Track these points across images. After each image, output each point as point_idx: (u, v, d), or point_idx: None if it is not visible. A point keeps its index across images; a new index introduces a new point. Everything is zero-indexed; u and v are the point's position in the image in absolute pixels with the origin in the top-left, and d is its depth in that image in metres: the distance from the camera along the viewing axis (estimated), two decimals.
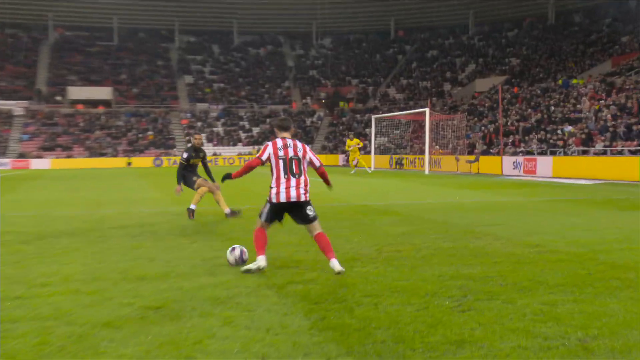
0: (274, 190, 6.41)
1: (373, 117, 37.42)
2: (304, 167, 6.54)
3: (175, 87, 64.16)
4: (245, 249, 6.71)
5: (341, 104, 63.13)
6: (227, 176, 6.76)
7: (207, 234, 8.92)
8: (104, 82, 61.09)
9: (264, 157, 6.48)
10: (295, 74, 69.81)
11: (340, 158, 49.75)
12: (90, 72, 62.32)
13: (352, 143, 31.12)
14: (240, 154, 53.27)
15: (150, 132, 55.06)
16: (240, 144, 56.29)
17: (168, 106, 60.61)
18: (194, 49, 70.59)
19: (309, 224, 6.43)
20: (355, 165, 31.27)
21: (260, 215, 6.55)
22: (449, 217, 10.81)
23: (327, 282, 5.74)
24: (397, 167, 38.77)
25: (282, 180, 6.39)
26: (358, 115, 58.82)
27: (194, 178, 11.20)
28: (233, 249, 6.68)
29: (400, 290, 5.35)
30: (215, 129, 57.94)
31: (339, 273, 6.02)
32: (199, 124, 58.20)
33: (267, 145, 6.57)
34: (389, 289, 5.39)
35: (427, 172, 30.77)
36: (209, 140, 55.70)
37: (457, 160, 32.38)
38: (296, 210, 6.46)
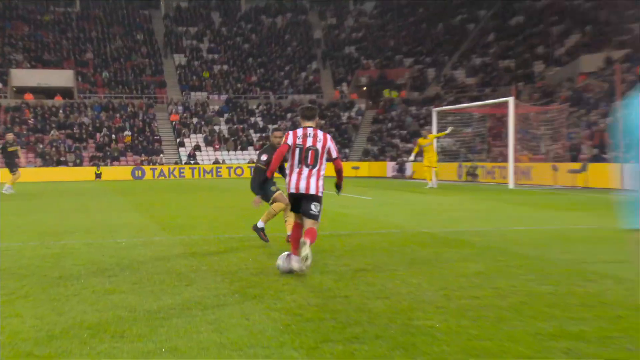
0: (287, 180, 8.84)
1: (434, 110, 37.30)
2: (320, 159, 8.70)
3: (161, 70, 65.04)
4: (292, 265, 8.51)
5: (386, 92, 63.20)
6: (265, 178, 9.91)
7: (208, 273, 8.95)
8: (63, 64, 62.21)
9: (289, 141, 8.74)
10: (325, 52, 70.15)
11: (388, 167, 49.68)
12: (43, 49, 63.55)
13: (429, 139, 30.65)
14: (251, 161, 53.60)
15: (127, 132, 55.84)
16: (250, 147, 56.67)
17: (152, 96, 61.44)
18: (187, 18, 71.57)
19: (307, 217, 8.71)
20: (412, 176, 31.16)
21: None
22: (546, 250, 10.71)
23: (377, 340, 5.69)
24: (469, 178, 38.48)
25: (295, 170, 8.70)
26: (413, 108, 58.77)
27: (273, 188, 11.61)
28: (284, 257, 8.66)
29: (481, 353, 5.29)
30: (216, 127, 58.52)
31: (303, 256, 8.28)
32: (195, 120, 58.87)
33: (289, 133, 8.83)
34: (464, 352, 5.33)
35: (511, 185, 30.54)
36: (208, 143, 56.25)
37: (555, 169, 32.04)
38: (304, 201, 8.71)
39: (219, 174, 51.49)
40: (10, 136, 28.96)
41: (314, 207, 8.72)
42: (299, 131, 8.80)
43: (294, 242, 8.72)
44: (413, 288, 7.78)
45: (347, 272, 8.87)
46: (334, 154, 8.80)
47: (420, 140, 31.32)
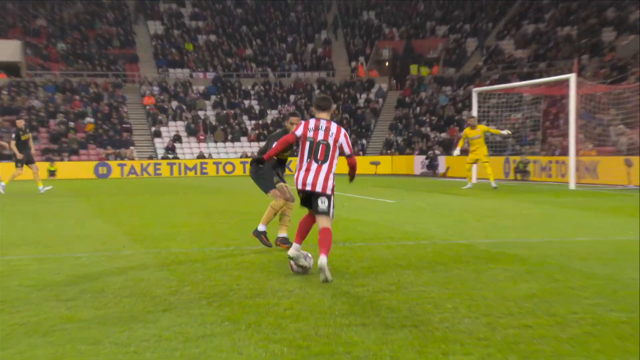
0: (295, 175, 10.16)
1: (474, 90, 37.23)
2: (332, 154, 10.07)
3: (132, 41, 65.08)
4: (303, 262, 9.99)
5: (413, 69, 63.09)
6: (259, 161, 10.94)
7: (190, 295, 8.95)
8: (8, 33, 62.21)
9: (298, 133, 10.19)
10: (338, 18, 70.05)
11: (416, 162, 49.61)
12: None
13: (478, 131, 30.25)
14: (244, 155, 53.64)
15: (89, 119, 55.93)
16: (244, 138, 56.69)
17: (120, 74, 61.47)
18: None
19: (318, 214, 10.04)
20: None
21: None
22: (618, 267, 10.68)
23: None
24: (519, 176, 38.38)
25: (304, 164, 10.06)
26: (447, 88, 58.71)
27: (276, 179, 12.57)
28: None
29: None
30: (201, 112, 58.55)
31: (321, 269, 9.54)
32: (174, 104, 58.88)
33: (300, 124, 10.32)
34: None
35: (572, 185, 30.44)
36: (191, 132, 56.31)
37: (629, 164, 31.93)
38: (312, 198, 10.09)
39: (205, 171, 51.56)
40: (21, 122, 29.14)
41: (321, 203, 10.02)
42: (311, 122, 10.16)
43: (301, 232, 10.17)
44: (448, 314, 7.77)
45: (365, 293, 8.86)
46: (347, 151, 10.21)
47: (467, 131, 30.70)
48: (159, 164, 51.43)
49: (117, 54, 63.04)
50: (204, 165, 51.87)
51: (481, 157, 30.30)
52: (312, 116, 10.12)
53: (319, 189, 9.97)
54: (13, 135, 29.30)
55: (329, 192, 10.01)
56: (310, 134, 10.06)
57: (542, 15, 60.44)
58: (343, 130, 10.23)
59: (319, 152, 10.02)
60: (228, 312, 7.95)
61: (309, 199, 10.16)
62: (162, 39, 65.54)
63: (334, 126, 10.13)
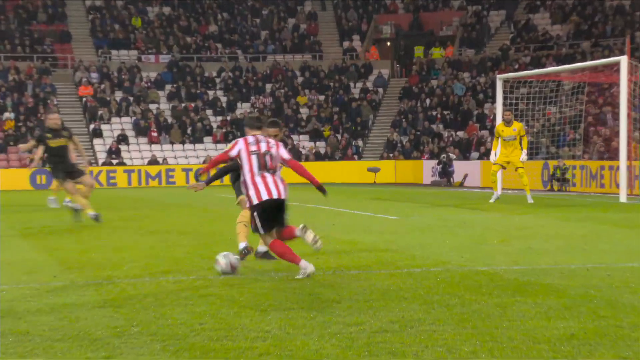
0: (252, 191, 12.44)
1: (499, 77, 37.29)
2: (277, 164, 12.65)
3: (63, 14, 64.88)
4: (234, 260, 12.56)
5: (419, 51, 63.01)
6: (197, 175, 13.56)
7: (140, 336, 8.95)
8: None
9: (232, 153, 12.60)
10: None
11: (425, 169, 49.60)
12: None
13: (512, 131, 29.21)
14: (209, 159, 53.60)
15: (8, 115, 55.74)
16: (208, 139, 56.55)
17: (48, 56, 61.24)
18: None
19: (282, 227, 12.69)
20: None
21: (257, 231, 12.68)
22: None
23: None
24: (555, 185, 38.41)
25: (258, 177, 12.41)
26: (465, 75, 58.75)
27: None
28: (226, 255, 12.70)
29: None
30: (154, 105, 58.40)
31: (308, 276, 12.09)
32: (118, 95, 58.71)
33: (237, 142, 12.84)
34: None
35: (623, 198, 30.45)
36: (141, 131, 56.17)
37: None
38: (277, 210, 12.60)
39: (163, 179, 51.54)
40: (54, 119, 24.14)
41: (286, 216, 12.81)
42: (250, 138, 12.73)
43: (290, 252, 12.42)
44: (465, 359, 7.83)
45: (361, 334, 8.88)
46: (285, 154, 12.78)
47: (500, 128, 29.74)
48: (100, 171, 51.17)
49: (43, 31, 62.81)
50: (161, 173, 51.75)
51: (515, 161, 29.69)
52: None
53: (283, 196, 12.64)
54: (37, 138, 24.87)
55: (286, 199, 12.80)
56: (253, 148, 12.58)
57: None
58: (280, 143, 12.90)
59: (268, 163, 12.60)
60: (188, 359, 7.99)
61: (272, 211, 12.59)
62: (102, 11, 65.32)
63: (271, 140, 12.85)
